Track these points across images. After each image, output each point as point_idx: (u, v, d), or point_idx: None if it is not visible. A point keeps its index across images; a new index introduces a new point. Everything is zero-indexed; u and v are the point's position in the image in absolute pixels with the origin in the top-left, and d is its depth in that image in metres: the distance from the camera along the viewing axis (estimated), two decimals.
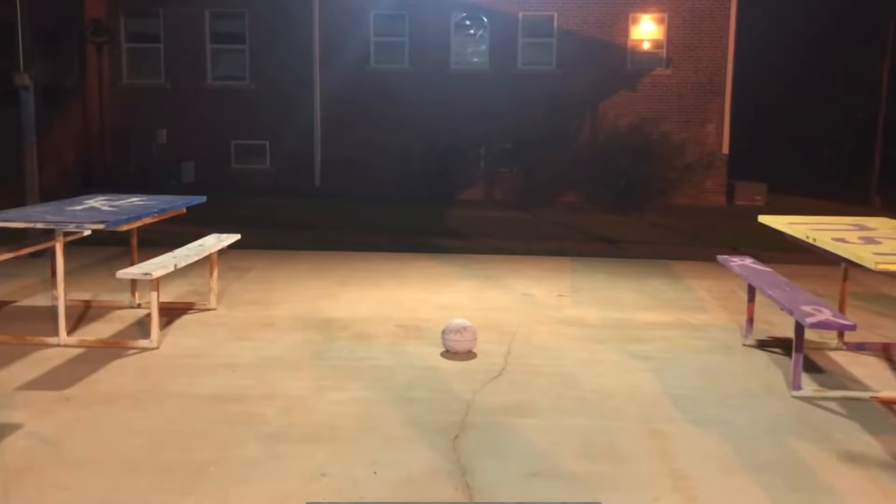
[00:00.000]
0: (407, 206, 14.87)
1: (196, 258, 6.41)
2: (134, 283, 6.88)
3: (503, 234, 11.89)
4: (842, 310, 6.03)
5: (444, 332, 5.72)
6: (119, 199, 6.84)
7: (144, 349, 5.68)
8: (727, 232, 12.44)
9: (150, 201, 6.81)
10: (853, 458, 4.09)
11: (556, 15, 17.01)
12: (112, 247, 8.85)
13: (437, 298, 7.43)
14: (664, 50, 16.97)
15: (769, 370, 5.53)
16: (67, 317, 5.86)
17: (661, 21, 16.96)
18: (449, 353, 5.66)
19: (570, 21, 16.99)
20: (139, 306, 6.87)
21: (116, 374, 5.17)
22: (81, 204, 6.52)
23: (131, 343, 5.82)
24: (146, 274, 5.63)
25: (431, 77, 17.23)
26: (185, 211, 7.04)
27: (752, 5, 17.21)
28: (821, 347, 6.00)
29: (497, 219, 13.88)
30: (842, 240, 5.10)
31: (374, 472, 3.81)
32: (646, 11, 16.93)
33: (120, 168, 17.09)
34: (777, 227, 6.08)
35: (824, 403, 4.87)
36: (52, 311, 6.20)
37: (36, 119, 8.99)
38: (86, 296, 7.14)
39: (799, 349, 4.98)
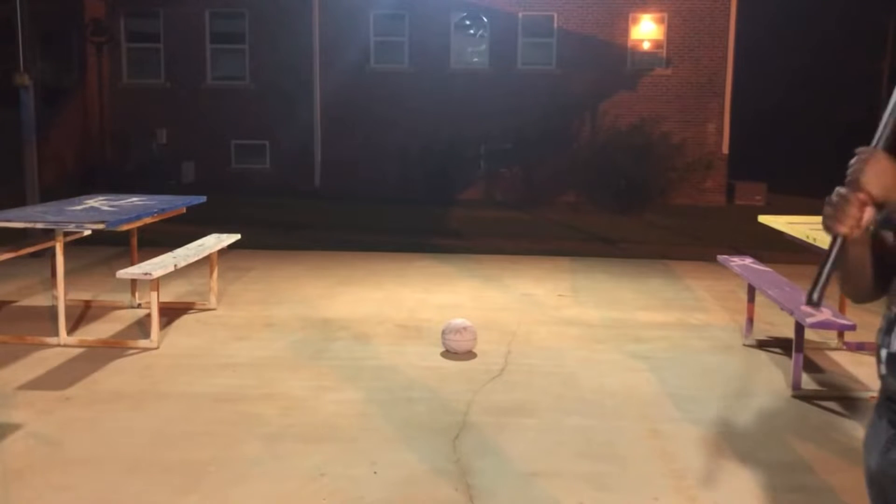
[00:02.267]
0: (407, 206, 14.87)
1: (196, 258, 6.42)
2: (134, 283, 6.88)
3: (503, 234, 11.88)
4: (842, 310, 6.03)
5: (444, 332, 5.72)
6: (119, 199, 6.84)
7: (144, 349, 5.68)
8: (727, 232, 12.44)
9: (150, 201, 6.82)
10: (853, 458, 4.09)
11: (556, 15, 17.01)
12: (112, 247, 8.85)
13: (437, 298, 7.43)
14: (664, 50, 16.96)
15: (769, 370, 5.53)
16: (67, 317, 5.86)
17: (661, 21, 16.96)
18: (449, 353, 5.66)
19: (570, 21, 16.99)
20: (139, 306, 6.87)
21: (116, 374, 5.17)
22: (81, 204, 6.53)
23: (131, 343, 5.82)
24: (146, 274, 5.63)
25: (431, 77, 17.23)
26: (185, 211, 7.04)
27: (752, 5, 17.20)
28: (821, 347, 6.00)
29: (497, 219, 13.88)
30: None
31: (374, 472, 3.81)
32: (646, 11, 16.92)
33: (120, 168, 17.09)
34: (777, 227, 6.08)
35: (824, 403, 4.87)
36: (52, 311, 6.21)
37: (36, 119, 9.00)
38: (86, 296, 7.14)
39: (799, 349, 4.98)
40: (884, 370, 1.80)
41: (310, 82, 17.35)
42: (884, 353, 1.80)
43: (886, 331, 1.79)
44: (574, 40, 16.97)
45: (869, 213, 1.71)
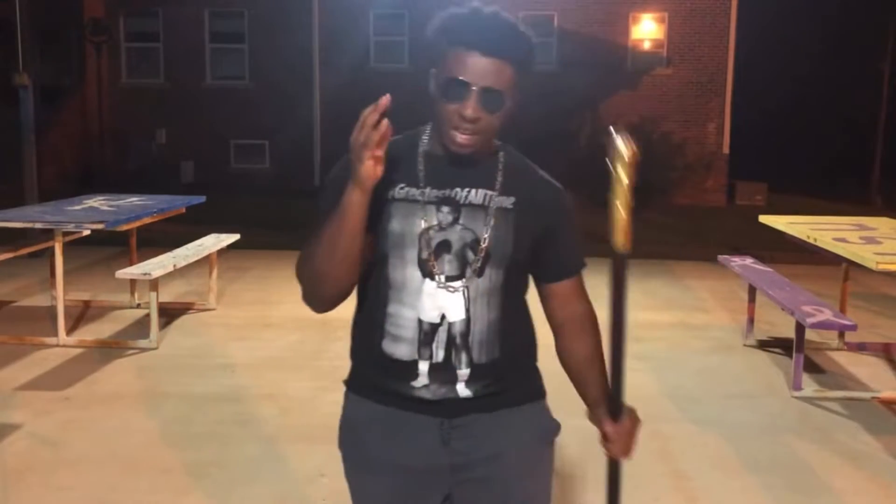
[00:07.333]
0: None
1: (195, 258, 6.41)
2: (133, 283, 6.87)
3: None
4: (842, 310, 6.03)
5: None
6: (118, 199, 6.83)
7: (144, 349, 5.67)
8: (727, 232, 12.43)
9: (149, 201, 6.81)
10: (854, 459, 4.08)
11: (556, 15, 16.99)
12: (111, 247, 8.83)
13: None
14: (664, 49, 16.95)
15: (770, 370, 5.53)
16: (67, 317, 5.85)
17: (661, 21, 16.95)
18: None
19: (570, 21, 16.98)
20: (138, 306, 6.86)
21: (116, 374, 5.17)
22: (80, 204, 6.52)
23: (131, 343, 5.81)
24: (145, 274, 5.63)
25: None
26: (184, 211, 7.03)
27: (753, 5, 17.19)
28: (821, 347, 5.99)
29: None
30: (842, 240, 5.09)
31: None
32: (646, 11, 16.91)
33: (119, 168, 17.08)
34: (777, 227, 6.08)
35: (825, 404, 4.86)
36: (51, 311, 6.20)
37: (35, 119, 8.98)
38: (85, 296, 7.13)
39: (800, 349, 4.97)
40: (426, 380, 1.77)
41: (310, 82, 17.34)
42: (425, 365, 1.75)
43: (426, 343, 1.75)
44: (574, 40, 16.96)
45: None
